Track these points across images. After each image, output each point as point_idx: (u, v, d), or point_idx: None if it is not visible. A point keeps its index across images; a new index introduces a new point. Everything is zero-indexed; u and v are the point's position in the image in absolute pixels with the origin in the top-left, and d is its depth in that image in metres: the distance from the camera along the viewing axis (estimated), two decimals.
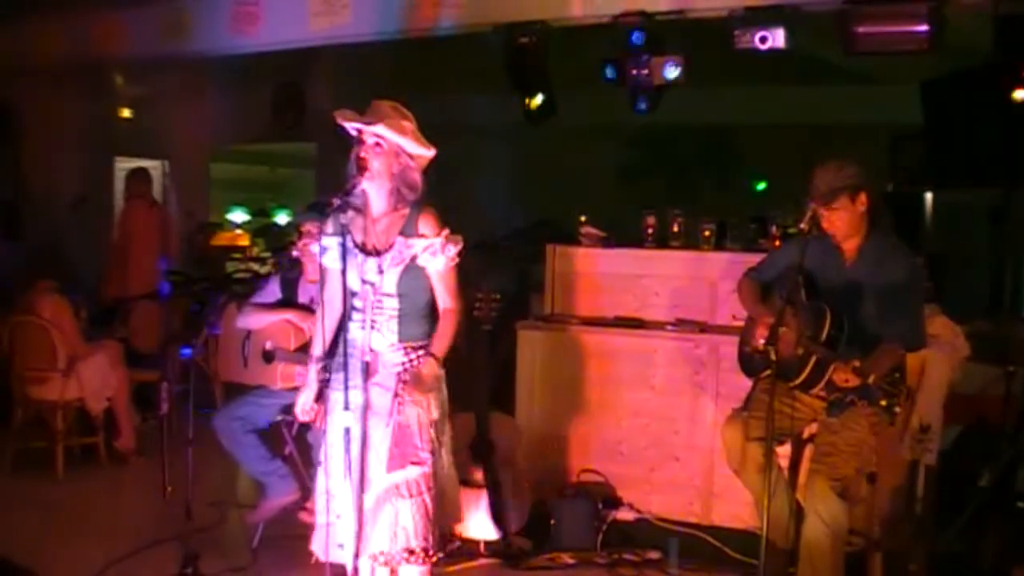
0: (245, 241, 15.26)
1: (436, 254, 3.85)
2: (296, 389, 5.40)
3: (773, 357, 4.11)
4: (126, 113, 12.09)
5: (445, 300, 3.94)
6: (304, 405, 4.14)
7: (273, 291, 5.66)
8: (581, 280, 6.38)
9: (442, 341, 3.92)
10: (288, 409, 5.48)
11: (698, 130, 14.13)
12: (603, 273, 6.32)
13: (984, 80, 6.87)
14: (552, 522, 5.63)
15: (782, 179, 6.77)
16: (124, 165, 12.97)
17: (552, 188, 12.89)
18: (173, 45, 8.41)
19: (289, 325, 5.46)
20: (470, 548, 5.40)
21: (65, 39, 9.05)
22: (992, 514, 4.97)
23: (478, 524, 5.39)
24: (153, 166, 13.01)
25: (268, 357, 5.50)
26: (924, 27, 5.77)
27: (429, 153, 3.90)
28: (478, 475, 5.45)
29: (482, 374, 5.55)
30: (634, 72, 6.54)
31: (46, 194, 10.53)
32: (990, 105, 6.92)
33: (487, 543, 5.42)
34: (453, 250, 3.88)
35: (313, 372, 4.11)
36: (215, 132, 13.27)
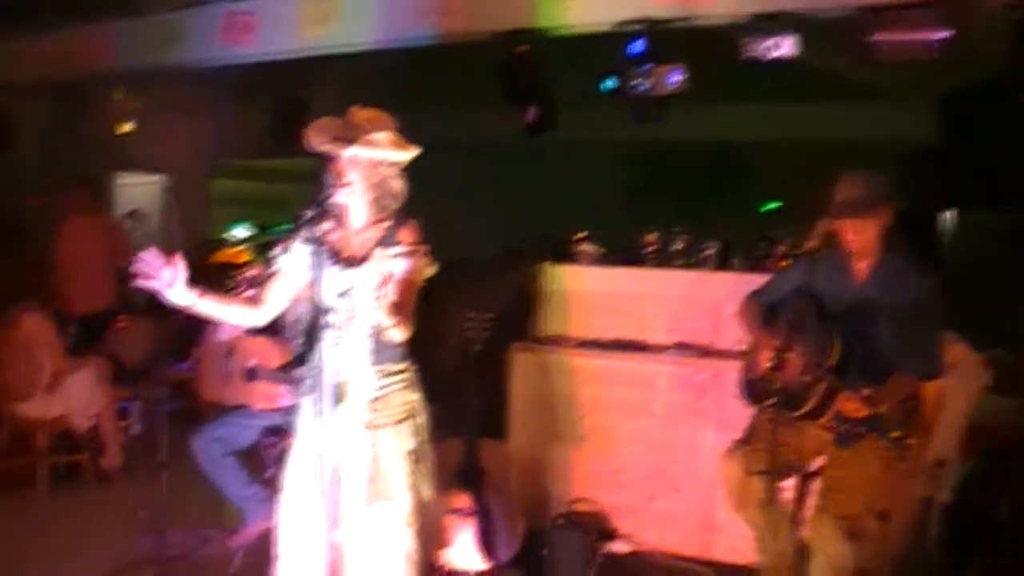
0: (247, 257, 15.05)
1: (402, 258, 3.52)
2: (279, 410, 5.24)
3: (777, 385, 3.84)
4: (125, 128, 11.95)
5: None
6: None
7: None
8: (577, 300, 6.15)
9: None
10: (270, 431, 5.30)
11: (706, 147, 13.85)
12: (600, 293, 6.10)
13: (1005, 93, 6.57)
14: (543, 553, 5.38)
15: (791, 198, 6.53)
16: (124, 181, 12.87)
17: (555, 206, 12.61)
18: (165, 56, 8.17)
19: (271, 343, 5.24)
20: None
21: (57, 53, 8.83)
22: (1009, 553, 4.75)
23: (466, 554, 5.15)
24: (152, 182, 12.94)
25: (250, 375, 5.30)
26: (940, 34, 5.51)
27: (409, 155, 3.66)
28: (466, 503, 5.19)
29: (471, 397, 5.32)
30: (635, 83, 6.28)
31: (46, 209, 10.37)
32: (1012, 119, 6.65)
33: (476, 574, 5.16)
34: (419, 266, 3.61)
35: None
36: (215, 147, 13.09)
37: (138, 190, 13.12)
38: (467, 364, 5.22)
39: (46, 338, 6.80)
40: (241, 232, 16.93)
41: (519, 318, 6.31)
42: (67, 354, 6.96)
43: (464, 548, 5.15)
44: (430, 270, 3.66)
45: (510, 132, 7.42)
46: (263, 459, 5.38)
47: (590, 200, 12.04)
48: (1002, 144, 7.41)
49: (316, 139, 3.57)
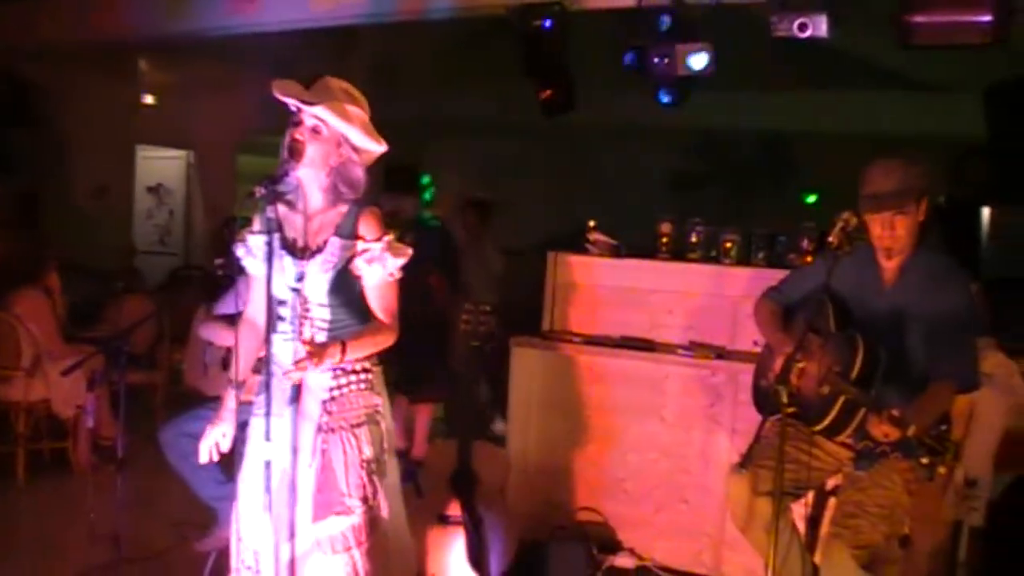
0: None
1: (373, 262, 3.25)
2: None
3: (784, 399, 3.41)
4: (149, 100, 11.75)
5: (379, 316, 3.31)
6: (218, 441, 3.48)
7: (233, 300, 5.07)
8: (585, 293, 5.83)
9: (361, 341, 3.24)
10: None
11: (752, 136, 13.42)
12: (610, 286, 5.77)
13: None
14: (541, 567, 5.08)
15: (837, 190, 6.20)
16: (146, 154, 12.69)
17: (593, 195, 12.21)
18: (172, 24, 8.02)
19: None
20: None
21: (69, 18, 8.70)
22: None
23: (455, 568, 4.80)
24: (177, 156, 12.75)
25: (226, 364, 4.96)
26: (988, 17, 5.12)
27: (378, 149, 3.33)
28: (456, 511, 4.85)
29: (467, 396, 4.99)
30: (656, 60, 5.91)
31: (65, 182, 10.29)
32: None
33: None
34: (394, 263, 3.26)
35: (231, 400, 3.47)
36: (242, 122, 12.85)
37: (163, 164, 12.98)
38: (464, 360, 4.89)
39: (39, 319, 6.61)
40: None
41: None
42: (63, 338, 6.76)
43: (453, 560, 4.79)
44: (402, 259, 3.30)
45: (534, 114, 7.06)
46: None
47: (636, 191, 11.66)
48: None
49: (282, 91, 3.19)
